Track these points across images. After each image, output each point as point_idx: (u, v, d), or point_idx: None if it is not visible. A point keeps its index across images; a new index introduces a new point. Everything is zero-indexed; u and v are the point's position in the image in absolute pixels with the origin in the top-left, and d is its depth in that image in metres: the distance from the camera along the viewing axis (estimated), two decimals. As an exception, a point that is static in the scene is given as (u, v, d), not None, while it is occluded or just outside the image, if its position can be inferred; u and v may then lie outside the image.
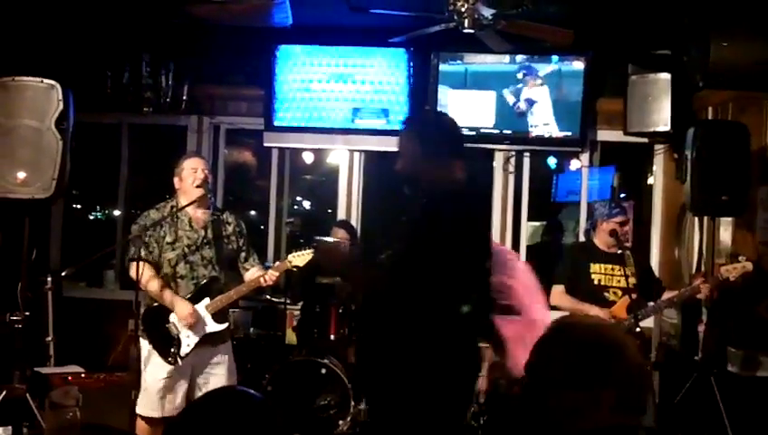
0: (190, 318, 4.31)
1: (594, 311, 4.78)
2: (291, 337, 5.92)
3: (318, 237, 3.45)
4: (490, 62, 6.43)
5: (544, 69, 6.38)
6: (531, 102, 6.39)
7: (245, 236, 4.65)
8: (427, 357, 2.88)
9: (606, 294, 4.96)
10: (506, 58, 6.40)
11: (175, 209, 4.45)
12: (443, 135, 3.13)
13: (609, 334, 1.82)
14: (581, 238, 5.73)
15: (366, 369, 3.16)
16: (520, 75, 6.39)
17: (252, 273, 4.58)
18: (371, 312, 3.03)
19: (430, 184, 3.04)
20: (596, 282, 4.99)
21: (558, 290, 5.06)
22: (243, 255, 4.61)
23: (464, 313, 2.92)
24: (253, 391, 1.81)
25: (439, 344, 2.90)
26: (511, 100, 6.41)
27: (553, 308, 5.20)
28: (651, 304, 4.99)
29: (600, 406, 1.68)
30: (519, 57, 6.38)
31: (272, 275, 4.48)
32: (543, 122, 6.40)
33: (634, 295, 4.86)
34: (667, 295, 5.01)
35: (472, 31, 4.88)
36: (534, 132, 6.43)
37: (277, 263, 4.69)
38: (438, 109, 6.42)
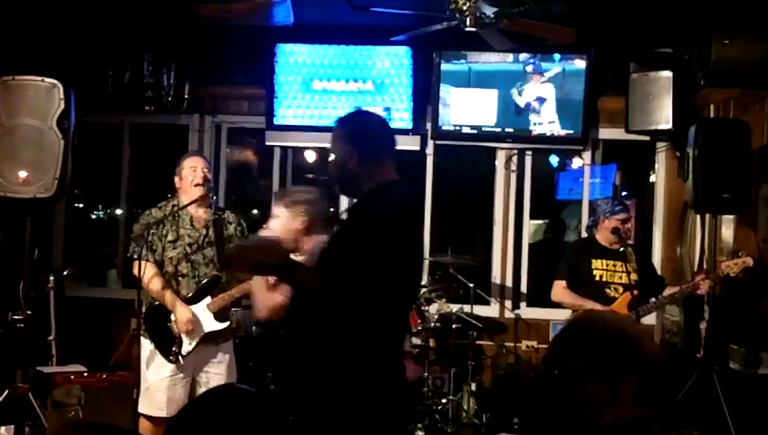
0: (189, 325, 4.32)
1: (595, 307, 4.78)
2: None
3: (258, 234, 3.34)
4: (494, 61, 6.44)
5: (548, 70, 6.38)
6: (542, 100, 6.39)
7: (247, 235, 4.65)
8: (342, 359, 2.79)
9: (607, 290, 4.97)
10: (510, 57, 6.41)
11: (176, 208, 4.45)
12: (373, 135, 3.07)
13: (627, 327, 1.86)
14: (584, 235, 5.73)
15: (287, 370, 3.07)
16: (529, 68, 6.37)
17: (254, 271, 4.58)
18: (297, 312, 2.98)
19: (360, 183, 2.99)
20: (597, 277, 5.00)
21: (559, 285, 5.08)
22: (245, 253, 4.60)
23: (387, 317, 2.87)
24: (252, 389, 1.81)
25: (353, 348, 2.80)
26: (521, 101, 6.40)
27: (555, 303, 5.23)
28: (652, 300, 4.99)
29: (622, 397, 1.70)
30: (522, 56, 6.39)
31: None
32: (549, 120, 6.40)
33: (635, 292, 4.86)
34: (668, 292, 5.02)
35: (474, 29, 4.88)
36: (536, 130, 6.43)
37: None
38: (440, 107, 6.44)
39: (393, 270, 2.79)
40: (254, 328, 6.13)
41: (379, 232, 2.77)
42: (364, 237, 2.77)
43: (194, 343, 4.36)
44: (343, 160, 3.02)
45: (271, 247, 2.90)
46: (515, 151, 6.68)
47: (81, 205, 8.45)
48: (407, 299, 3.13)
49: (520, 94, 6.41)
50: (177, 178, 4.53)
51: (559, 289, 5.08)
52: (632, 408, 1.71)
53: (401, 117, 6.46)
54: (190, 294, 4.39)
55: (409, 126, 6.48)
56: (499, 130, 6.46)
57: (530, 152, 6.73)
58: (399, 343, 3.01)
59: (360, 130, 3.08)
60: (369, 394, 2.79)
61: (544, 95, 6.38)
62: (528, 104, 6.40)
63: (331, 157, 3.11)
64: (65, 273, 5.57)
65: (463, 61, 6.45)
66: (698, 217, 5.97)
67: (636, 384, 1.71)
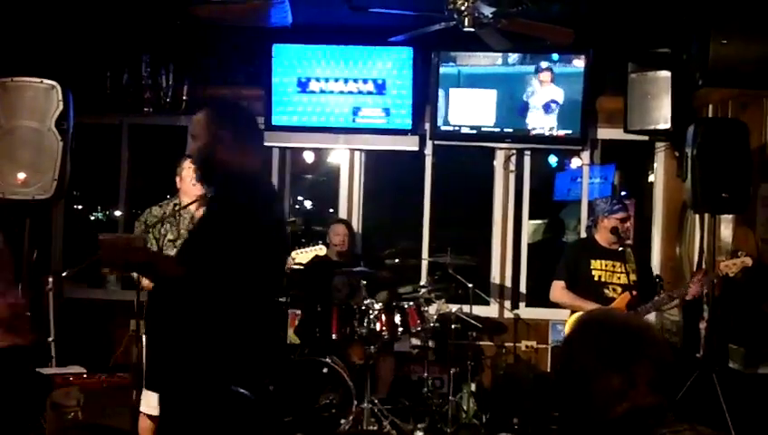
0: None
1: (593, 308, 4.77)
2: (293, 337, 5.92)
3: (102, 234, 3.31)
4: (483, 63, 6.44)
5: (553, 67, 6.40)
6: (558, 104, 6.39)
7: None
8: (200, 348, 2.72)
9: (606, 290, 4.97)
10: (499, 59, 6.41)
11: (178, 208, 4.45)
12: (247, 124, 3.07)
13: (634, 319, 1.94)
14: (583, 235, 5.73)
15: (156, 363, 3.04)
16: (544, 64, 6.36)
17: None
18: (159, 303, 2.97)
19: (226, 170, 2.96)
20: (596, 278, 5.00)
21: (558, 285, 5.08)
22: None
23: (249, 307, 2.86)
24: (245, 391, 1.81)
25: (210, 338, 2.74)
26: (538, 101, 6.39)
27: (554, 303, 5.23)
28: (651, 301, 4.99)
29: (637, 385, 1.73)
30: (511, 57, 6.40)
31: None
32: (553, 124, 6.40)
33: (634, 292, 4.86)
34: (666, 293, 5.02)
35: (472, 29, 4.88)
36: (536, 131, 6.43)
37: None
38: (439, 107, 6.43)
39: (257, 258, 2.82)
40: None
41: (244, 219, 2.81)
42: (230, 225, 2.80)
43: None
44: (212, 145, 2.97)
45: (133, 246, 2.96)
46: (514, 151, 6.68)
47: (79, 206, 8.44)
48: (269, 286, 3.10)
49: (532, 95, 6.40)
50: (177, 179, 4.53)
51: (558, 289, 5.08)
52: (647, 395, 1.74)
53: (401, 118, 6.46)
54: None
55: (409, 126, 6.48)
56: (498, 130, 6.46)
57: (528, 152, 6.73)
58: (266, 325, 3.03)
59: (238, 117, 3.08)
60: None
61: (557, 98, 6.38)
62: (547, 105, 6.39)
63: (193, 141, 3.05)
64: (64, 274, 5.59)
65: (452, 63, 6.45)
66: (697, 216, 5.97)
67: (649, 371, 1.75)
